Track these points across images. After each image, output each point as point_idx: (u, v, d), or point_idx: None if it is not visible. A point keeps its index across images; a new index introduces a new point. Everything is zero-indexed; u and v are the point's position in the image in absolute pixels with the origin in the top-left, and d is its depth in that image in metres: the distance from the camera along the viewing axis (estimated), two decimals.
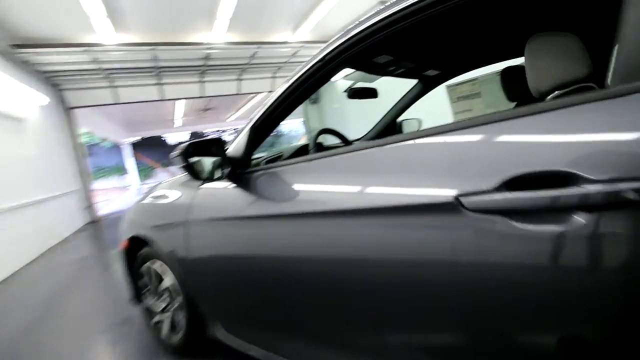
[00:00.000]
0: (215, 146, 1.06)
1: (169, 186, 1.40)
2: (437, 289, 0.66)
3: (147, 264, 1.50)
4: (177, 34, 5.48)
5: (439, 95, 3.42)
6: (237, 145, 1.10)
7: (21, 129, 4.73)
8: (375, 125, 2.25)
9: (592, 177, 0.49)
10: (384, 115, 2.21)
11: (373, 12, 0.87)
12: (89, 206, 6.72)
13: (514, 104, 1.89)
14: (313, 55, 1.00)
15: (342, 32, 0.94)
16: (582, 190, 0.50)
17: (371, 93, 1.86)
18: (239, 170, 1.08)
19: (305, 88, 1.01)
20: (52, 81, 6.17)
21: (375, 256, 0.73)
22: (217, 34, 5.56)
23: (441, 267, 0.64)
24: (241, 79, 7.73)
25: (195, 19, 5.11)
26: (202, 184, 1.16)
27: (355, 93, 1.77)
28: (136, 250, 1.56)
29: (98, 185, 12.50)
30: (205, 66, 6.80)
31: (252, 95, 9.64)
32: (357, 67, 1.51)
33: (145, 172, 20.43)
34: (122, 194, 14.48)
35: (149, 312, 1.57)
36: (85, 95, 6.65)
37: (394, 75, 1.77)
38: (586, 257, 0.51)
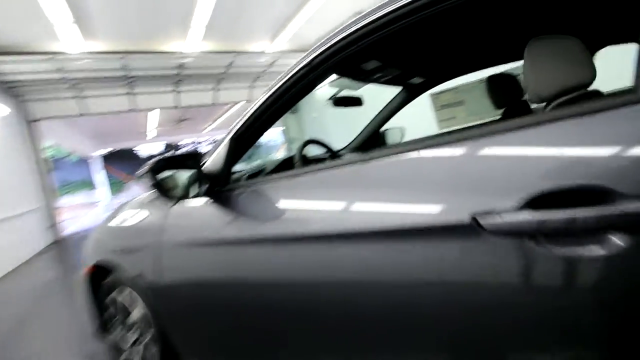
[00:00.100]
0: (190, 160, 0.94)
1: (139, 205, 1.26)
2: (451, 325, 0.57)
3: (114, 292, 1.34)
4: (150, 42, 5.29)
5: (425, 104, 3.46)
6: (215, 159, 0.99)
7: None
8: (359, 135, 2.19)
9: (629, 192, 0.43)
10: (368, 124, 2.16)
11: (361, 15, 0.81)
12: (53, 225, 6.27)
13: (497, 111, 1.88)
14: (299, 59, 0.92)
15: (331, 34, 0.86)
16: (620, 208, 0.43)
17: (355, 101, 1.80)
18: (218, 187, 0.96)
19: (291, 95, 0.92)
20: (13, 92, 5.77)
21: (374, 286, 0.64)
22: (192, 42, 5.41)
23: (455, 300, 0.56)
24: (218, 89, 7.57)
25: (169, 27, 4.95)
26: (176, 203, 1.04)
27: (339, 101, 1.71)
28: (101, 278, 1.40)
29: (64, 201, 11.78)
30: (180, 75, 6.60)
31: (229, 105, 9.46)
32: (341, 74, 1.44)
33: (116, 187, 19.54)
34: (91, 210, 13.74)
35: (117, 348, 1.39)
36: (50, 106, 6.27)
37: (378, 82, 1.72)
38: (627, 281, 0.44)
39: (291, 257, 0.75)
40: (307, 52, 0.91)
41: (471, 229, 0.52)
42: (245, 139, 1.00)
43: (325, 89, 1.87)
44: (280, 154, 9.65)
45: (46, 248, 5.76)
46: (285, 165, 1.46)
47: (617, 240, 0.43)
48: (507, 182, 0.51)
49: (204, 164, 0.98)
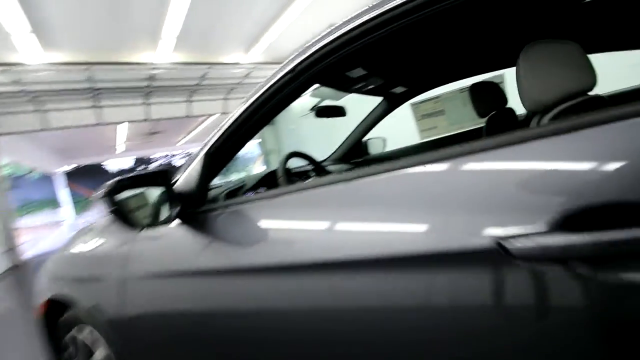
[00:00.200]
0: (158, 179, 0.83)
1: (100, 230, 1.12)
2: None
3: (73, 331, 1.18)
4: (117, 53, 5.06)
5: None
6: (188, 177, 0.88)
7: None
8: (341, 146, 2.13)
9: None
10: (349, 135, 2.11)
11: (342, 22, 0.75)
12: (11, 248, 5.77)
13: (478, 119, 1.88)
14: (279, 68, 0.84)
15: (313, 41, 0.79)
16: None
17: (338, 111, 1.74)
18: (191, 209, 0.85)
19: (271, 106, 0.83)
20: None
21: (377, 324, 0.55)
22: (162, 53, 5.23)
23: (478, 339, 0.48)
24: (191, 101, 7.36)
25: (137, 37, 4.76)
26: (144, 228, 0.91)
27: (322, 111, 1.64)
28: (59, 314, 1.23)
29: (25, 222, 10.94)
30: (150, 87, 6.36)
31: (204, 117, 9.23)
32: (323, 83, 1.38)
33: (81, 205, 18.45)
34: (55, 231, 12.86)
35: None
36: (7, 121, 5.83)
37: (358, 92, 1.67)
38: None
39: (279, 290, 0.65)
40: (287, 60, 0.84)
41: (496, 255, 0.44)
42: (221, 154, 0.90)
43: (302, 100, 1.80)
44: (258, 167, 9.45)
45: (3, 274, 5.26)
46: (267, 180, 1.36)
47: None
48: (535, 200, 0.44)
49: (174, 182, 0.87)
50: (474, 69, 1.74)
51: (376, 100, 1.99)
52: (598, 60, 0.96)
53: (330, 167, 1.82)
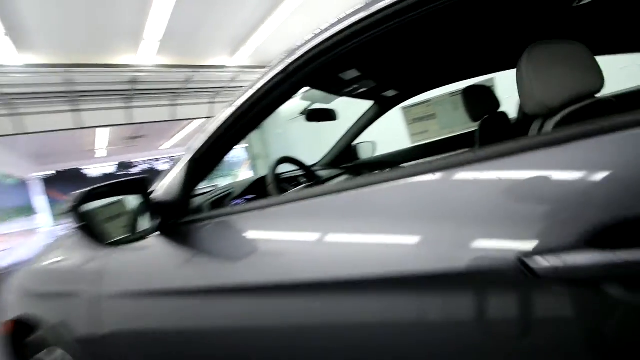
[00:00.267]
0: (135, 187, 0.75)
1: (72, 244, 1.02)
2: None
3: (42, 354, 1.08)
4: (97, 55, 4.89)
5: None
6: (170, 185, 0.81)
7: None
8: (331, 150, 2.09)
9: None
10: (340, 139, 2.06)
11: (333, 22, 0.71)
12: None
13: (469, 124, 1.87)
14: (269, 67, 0.79)
15: (309, 38, 0.75)
16: None
17: (329, 115, 1.69)
18: (173, 220, 0.78)
19: (262, 107, 0.77)
20: None
21: (386, 353, 0.49)
22: (145, 55, 5.09)
23: None
24: (175, 104, 7.19)
25: (119, 38, 4.62)
26: (120, 242, 0.83)
27: (312, 115, 1.58)
28: (26, 334, 1.12)
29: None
30: (132, 90, 6.18)
31: (188, 121, 9.05)
32: (313, 86, 1.33)
33: (59, 212, 17.77)
34: (31, 239, 12.31)
35: None
36: None
37: (351, 95, 1.63)
38: None
39: (270, 312, 0.59)
40: (278, 60, 0.79)
41: (518, 273, 0.40)
42: (207, 159, 0.83)
43: (290, 104, 1.74)
44: (245, 172, 9.30)
45: None
46: (256, 187, 1.29)
47: None
48: (561, 212, 0.40)
49: (153, 191, 0.80)
50: (465, 72, 1.72)
51: (366, 104, 1.95)
52: None
53: (321, 172, 1.77)
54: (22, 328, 1.10)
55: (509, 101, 1.70)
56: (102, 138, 10.96)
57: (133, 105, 6.65)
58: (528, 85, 0.75)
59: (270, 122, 7.99)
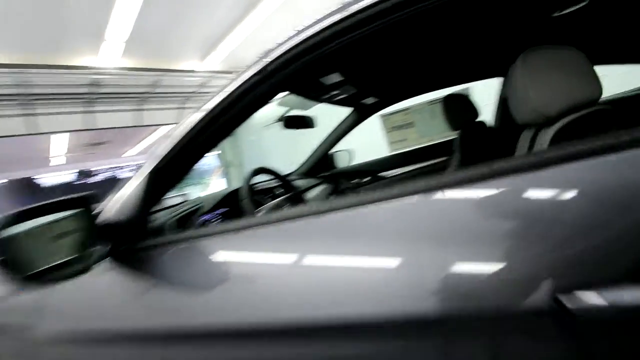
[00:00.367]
0: (77, 206, 0.62)
1: None
2: None
3: None
4: (53, 55, 4.55)
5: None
6: (126, 202, 0.69)
7: None
8: (308, 159, 2.01)
9: None
10: (317, 147, 1.99)
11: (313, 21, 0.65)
12: None
13: (447, 132, 1.85)
14: (246, 67, 0.71)
15: (292, 34, 0.67)
16: None
17: (307, 122, 1.61)
18: (127, 245, 0.66)
19: (237, 111, 0.68)
20: None
21: None
22: (108, 57, 4.80)
23: None
24: (142, 109, 6.85)
25: (77, 38, 4.32)
26: (58, 274, 0.69)
27: (290, 121, 1.49)
28: None
29: None
30: (94, 94, 5.80)
31: (155, 127, 8.65)
32: (294, 90, 1.24)
33: None
34: None
35: None
36: None
37: (330, 101, 1.56)
38: None
39: None
40: (255, 60, 0.70)
41: (551, 314, 0.33)
42: (171, 171, 0.72)
43: (265, 109, 1.65)
44: (216, 180, 8.94)
45: None
46: (229, 201, 1.17)
47: None
48: (603, 242, 0.34)
49: (100, 212, 0.67)
50: (444, 81, 1.72)
51: (344, 111, 1.90)
52: None
53: (298, 182, 1.68)
54: None
55: (485, 109, 1.71)
56: (60, 144, 10.22)
57: (94, 110, 6.25)
58: (523, 92, 0.70)
59: (244, 128, 7.81)
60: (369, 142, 2.84)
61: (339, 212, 0.49)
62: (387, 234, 0.45)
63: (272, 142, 6.65)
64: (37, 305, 0.67)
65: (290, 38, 0.67)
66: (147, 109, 6.87)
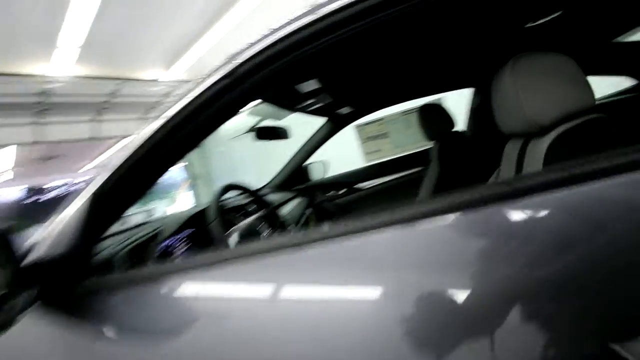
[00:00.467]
0: None
1: None
2: None
3: None
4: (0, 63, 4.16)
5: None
6: (62, 231, 0.56)
7: None
8: (281, 171, 1.91)
9: None
10: (291, 159, 1.90)
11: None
12: None
13: (420, 142, 1.84)
14: (212, 70, 0.62)
15: (267, 33, 0.60)
16: None
17: (281, 133, 1.52)
18: (64, 288, 0.53)
19: (204, 120, 0.59)
20: None
21: None
22: (60, 65, 4.46)
23: None
24: (100, 120, 6.44)
25: (26, 44, 3.98)
26: None
27: (262, 132, 1.40)
28: None
29: None
30: (44, 104, 5.37)
31: (115, 139, 8.17)
32: (267, 98, 1.16)
33: None
34: None
35: None
36: None
37: (305, 111, 1.49)
38: None
39: None
40: (223, 61, 0.62)
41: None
42: (122, 191, 0.60)
43: (235, 119, 1.56)
44: (183, 197, 8.45)
45: None
46: (195, 222, 1.03)
47: None
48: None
49: (29, 247, 0.54)
50: (419, 91, 1.71)
51: (318, 121, 1.83)
52: None
53: (271, 197, 1.57)
54: None
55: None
56: (6, 158, 9.36)
57: (46, 121, 5.78)
58: (512, 100, 0.66)
59: (213, 139, 7.55)
60: (344, 153, 2.80)
61: (325, 243, 0.41)
62: (375, 267, 0.39)
63: (243, 154, 6.47)
64: None
65: (264, 37, 0.59)
66: (106, 120, 6.47)
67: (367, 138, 3.15)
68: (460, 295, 0.33)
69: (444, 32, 1.02)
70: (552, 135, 0.62)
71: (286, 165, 1.88)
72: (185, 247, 0.88)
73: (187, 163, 8.01)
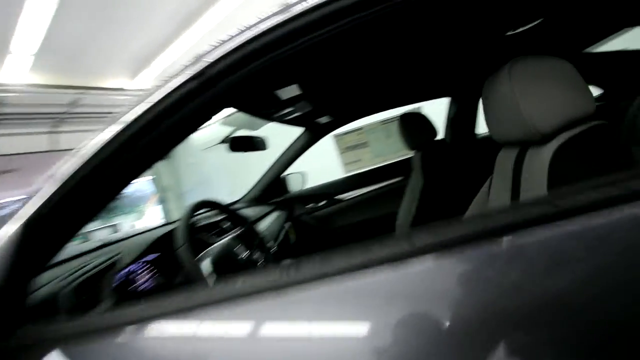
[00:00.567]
0: None
1: None
2: None
3: None
4: None
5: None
6: None
7: None
8: (257, 183, 1.81)
9: None
10: (267, 170, 1.81)
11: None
12: None
13: (400, 151, 1.81)
14: (178, 70, 0.53)
15: (241, 30, 0.53)
16: None
17: (257, 144, 1.43)
18: None
19: (169, 127, 0.50)
20: None
21: None
22: (13, 72, 4.13)
23: None
24: (58, 132, 6.01)
25: None
26: None
27: (237, 143, 1.30)
28: None
29: None
30: None
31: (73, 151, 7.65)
32: (241, 106, 1.07)
33: None
34: None
35: None
36: None
37: (282, 120, 1.41)
38: None
39: None
40: (192, 60, 0.54)
41: None
42: (65, 215, 0.50)
43: (208, 129, 1.47)
44: (152, 211, 7.95)
45: None
46: (161, 246, 0.88)
47: None
48: None
49: None
50: (398, 100, 1.68)
51: (295, 131, 1.76)
52: None
53: (248, 211, 1.47)
54: None
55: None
56: None
57: None
58: (510, 107, 0.62)
59: (180, 151, 7.26)
60: (323, 164, 2.73)
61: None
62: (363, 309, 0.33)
63: (217, 166, 6.25)
64: None
65: (236, 35, 0.51)
66: (66, 131, 6.05)
67: (346, 148, 3.11)
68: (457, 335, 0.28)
69: (422, 39, 1.00)
70: (555, 143, 0.58)
71: (263, 177, 1.79)
72: (150, 278, 0.75)
73: (155, 176, 7.62)
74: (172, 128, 0.50)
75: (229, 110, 1.13)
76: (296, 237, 1.74)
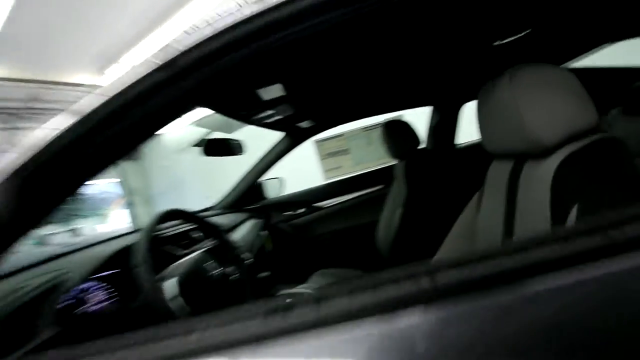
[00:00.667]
0: None
1: None
2: None
3: None
4: None
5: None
6: None
7: None
8: (233, 189, 1.71)
9: None
10: (244, 176, 1.71)
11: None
12: None
13: (382, 159, 1.78)
14: (145, 60, 0.46)
15: (219, 17, 0.46)
16: None
17: (233, 148, 1.34)
18: None
19: (133, 121, 0.42)
20: None
21: None
22: None
23: None
24: (15, 128, 5.57)
25: None
26: None
27: (212, 147, 1.20)
28: None
29: None
30: None
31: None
32: (216, 108, 0.98)
33: None
34: None
35: None
36: None
37: (260, 124, 1.33)
38: None
39: None
40: (160, 48, 0.47)
41: None
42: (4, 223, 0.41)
43: (181, 130, 1.36)
44: (117, 215, 7.40)
45: None
46: (117, 264, 0.74)
47: None
48: None
49: None
50: (376, 107, 1.65)
51: (275, 135, 1.68)
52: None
53: (223, 219, 1.38)
54: None
55: None
56: None
57: None
58: (510, 117, 0.58)
59: (152, 152, 6.93)
60: (303, 170, 2.66)
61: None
62: None
63: (190, 169, 6.00)
64: None
65: (213, 22, 0.44)
66: (23, 128, 5.63)
67: (327, 154, 3.06)
68: None
69: (406, 47, 0.98)
70: (558, 157, 0.55)
71: (239, 183, 1.70)
72: (105, 303, 0.63)
73: (122, 178, 7.20)
74: (136, 122, 0.42)
75: (204, 112, 1.04)
76: (273, 247, 1.65)
